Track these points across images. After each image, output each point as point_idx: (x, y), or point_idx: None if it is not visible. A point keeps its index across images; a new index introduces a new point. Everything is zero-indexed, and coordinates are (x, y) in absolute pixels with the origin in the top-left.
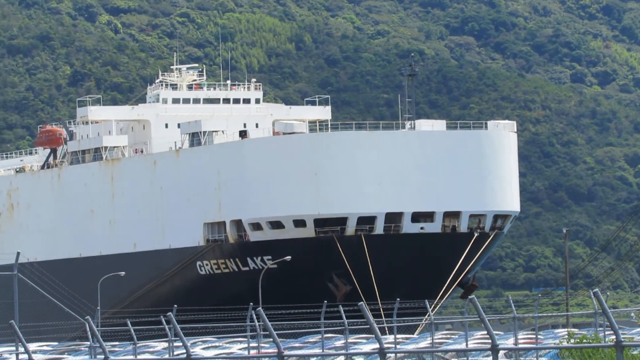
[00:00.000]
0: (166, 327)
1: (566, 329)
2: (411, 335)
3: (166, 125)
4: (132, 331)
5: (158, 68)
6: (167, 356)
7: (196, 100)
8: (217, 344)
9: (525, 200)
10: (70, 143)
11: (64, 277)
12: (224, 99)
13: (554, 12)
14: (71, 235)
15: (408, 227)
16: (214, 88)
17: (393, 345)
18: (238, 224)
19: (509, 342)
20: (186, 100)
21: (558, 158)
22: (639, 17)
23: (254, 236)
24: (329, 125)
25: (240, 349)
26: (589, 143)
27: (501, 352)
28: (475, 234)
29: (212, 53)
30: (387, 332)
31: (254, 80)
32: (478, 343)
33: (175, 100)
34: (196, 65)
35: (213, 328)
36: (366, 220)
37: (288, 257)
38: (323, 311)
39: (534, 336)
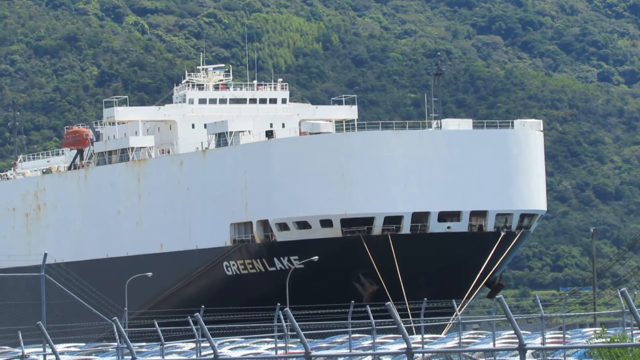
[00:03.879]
0: (193, 327)
1: (594, 329)
2: (438, 335)
3: (193, 126)
4: (160, 332)
5: (185, 68)
6: (194, 357)
7: (223, 101)
8: (244, 345)
9: (552, 200)
10: (97, 144)
11: (91, 278)
12: (250, 99)
13: (581, 11)
14: (98, 236)
15: (435, 226)
16: (241, 88)
17: (420, 345)
18: (265, 224)
19: (537, 342)
20: (213, 101)
21: (585, 157)
22: None
23: (280, 236)
24: (356, 125)
25: (267, 350)
26: (616, 142)
27: (528, 352)
28: (502, 233)
29: (239, 53)
30: (414, 332)
31: (280, 80)
32: (505, 343)
33: (202, 101)
34: (223, 65)
35: (240, 328)
36: (393, 220)
37: (315, 257)
38: (350, 311)
39: (562, 335)
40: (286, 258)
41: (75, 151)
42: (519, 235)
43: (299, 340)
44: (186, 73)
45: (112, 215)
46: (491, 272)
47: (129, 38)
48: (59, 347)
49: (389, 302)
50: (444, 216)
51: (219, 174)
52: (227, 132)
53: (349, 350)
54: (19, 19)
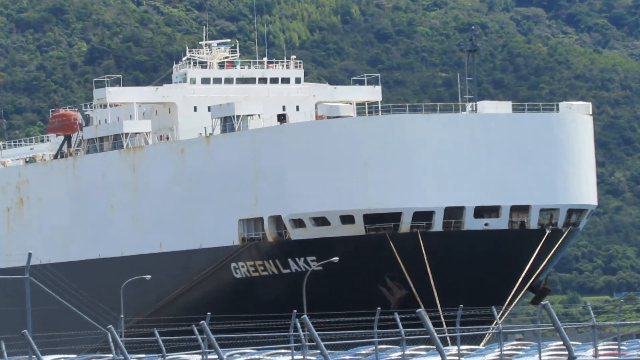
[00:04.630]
0: (199, 337)
1: None
2: (477, 347)
3: (195, 109)
4: (161, 342)
5: (185, 44)
6: None
7: (228, 80)
8: (256, 357)
9: (604, 193)
10: (87, 129)
11: (81, 281)
12: (260, 79)
13: None
14: (89, 234)
15: (470, 223)
16: (249, 66)
17: (456, 358)
18: (277, 220)
19: (588, 354)
20: (217, 80)
21: None
22: None
23: (295, 234)
24: (380, 108)
25: None
26: None
27: None
28: (547, 231)
29: (247, 27)
30: (449, 342)
31: (294, 57)
32: (553, 355)
33: (205, 80)
34: (228, 40)
35: (252, 338)
36: (423, 216)
37: (335, 258)
38: (376, 319)
39: (616, 347)
40: (302, 259)
41: (62, 137)
42: (566, 233)
43: (318, 352)
44: (187, 49)
45: (105, 210)
46: (535, 275)
47: (123, 10)
48: (47, 359)
49: (420, 309)
50: (480, 211)
51: (225, 163)
52: (233, 116)
53: None
54: None
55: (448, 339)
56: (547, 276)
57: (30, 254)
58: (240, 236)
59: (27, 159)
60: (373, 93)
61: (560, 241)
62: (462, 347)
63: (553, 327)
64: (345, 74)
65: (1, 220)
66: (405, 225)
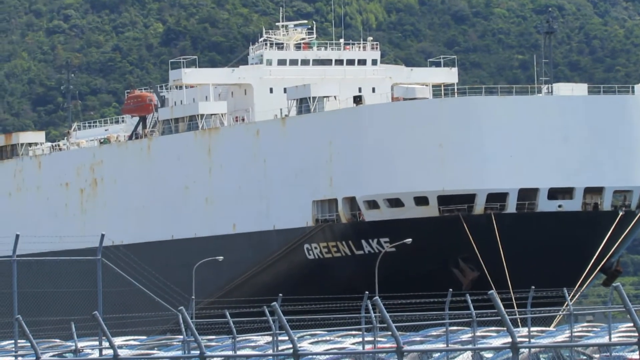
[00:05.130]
0: (270, 318)
1: None
2: (547, 328)
3: (271, 90)
4: (231, 323)
5: (262, 25)
6: (270, 352)
7: (305, 62)
8: (327, 338)
9: None
10: (162, 110)
11: (153, 263)
12: (336, 60)
13: None
14: (162, 215)
15: (544, 205)
16: (325, 48)
17: (527, 339)
18: (352, 201)
19: None
20: (293, 62)
21: None
22: None
23: (369, 215)
24: (456, 90)
25: (353, 344)
26: None
27: None
28: (620, 213)
29: (324, 8)
30: (519, 324)
31: (370, 38)
32: (623, 337)
33: (281, 62)
34: (305, 22)
35: (323, 320)
36: (497, 198)
37: (408, 240)
38: (448, 300)
39: None
40: (375, 240)
41: (137, 118)
42: (639, 215)
43: (389, 333)
44: (264, 30)
45: (179, 191)
46: (607, 256)
47: None
48: (117, 341)
49: (491, 291)
50: (554, 193)
51: (300, 144)
52: (309, 98)
53: (445, 345)
54: None
55: (519, 320)
56: (619, 258)
57: (102, 235)
58: (314, 217)
59: (102, 140)
60: (449, 75)
61: (633, 223)
62: (532, 328)
63: (624, 309)
64: (422, 55)
65: (75, 201)
66: (479, 207)
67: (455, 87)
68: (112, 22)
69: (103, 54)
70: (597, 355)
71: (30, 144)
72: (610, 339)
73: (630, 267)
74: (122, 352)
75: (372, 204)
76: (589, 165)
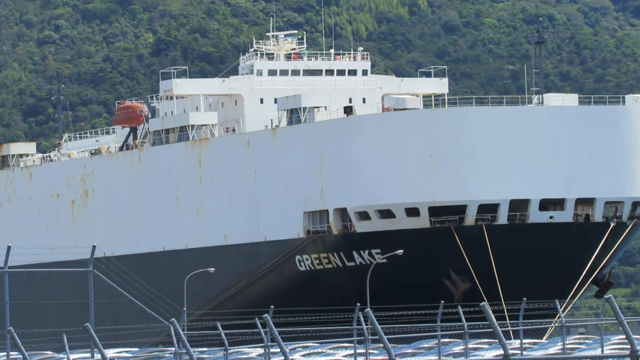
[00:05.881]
0: (262, 330)
1: None
2: (540, 340)
3: (261, 101)
4: (223, 335)
5: (252, 35)
6: None
7: (295, 72)
8: (319, 350)
9: None
10: (152, 121)
11: (145, 274)
12: (326, 71)
13: None
14: (153, 227)
15: (535, 216)
16: (316, 58)
17: (519, 352)
18: (343, 212)
19: None
20: (284, 72)
21: None
22: None
23: (360, 227)
24: (446, 100)
25: (345, 356)
26: None
27: None
28: (612, 224)
29: (314, 18)
30: (512, 336)
31: (360, 49)
32: (615, 349)
33: (272, 72)
34: (295, 32)
35: (315, 332)
36: (488, 209)
37: (400, 251)
38: (439, 312)
39: None
40: (367, 251)
41: (127, 129)
42: (631, 226)
43: (381, 345)
44: (254, 41)
45: (170, 202)
46: (599, 268)
47: (189, 1)
48: (109, 353)
49: (483, 303)
50: (545, 204)
51: (291, 155)
52: (300, 108)
53: (437, 357)
54: None
55: (511, 332)
56: (611, 269)
57: (94, 247)
58: (305, 229)
59: (93, 151)
60: (440, 85)
61: (624, 234)
62: (524, 340)
63: (616, 321)
64: (412, 66)
65: (66, 212)
66: (470, 218)
67: (446, 98)
68: (102, 32)
69: (94, 65)
70: None
71: (21, 155)
72: (602, 351)
73: (622, 278)
74: None
75: (363, 215)
76: (580, 176)
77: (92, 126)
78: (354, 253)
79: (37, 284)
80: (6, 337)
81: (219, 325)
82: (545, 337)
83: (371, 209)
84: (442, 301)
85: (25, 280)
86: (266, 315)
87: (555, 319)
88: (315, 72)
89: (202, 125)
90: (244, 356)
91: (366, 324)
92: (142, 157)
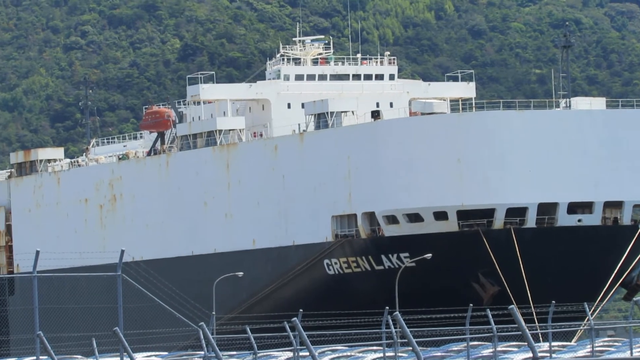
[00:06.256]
0: (290, 334)
1: None
2: (568, 343)
3: (288, 105)
4: (252, 339)
5: (279, 41)
6: None
7: (322, 77)
8: (348, 354)
9: None
10: (180, 126)
11: (173, 278)
12: (353, 75)
13: None
14: (182, 231)
15: (563, 219)
16: (343, 63)
17: (548, 354)
18: (371, 216)
19: None
20: (311, 77)
21: None
22: None
23: (389, 231)
24: (474, 105)
25: (374, 359)
26: None
27: None
28: None
29: (341, 23)
30: (540, 339)
31: (387, 53)
32: None
33: (299, 77)
34: (322, 37)
35: (343, 335)
36: (516, 212)
37: (428, 255)
38: (468, 315)
39: None
40: (395, 255)
41: (155, 134)
42: None
43: (410, 348)
44: (281, 46)
45: (198, 207)
46: (628, 271)
47: (216, 6)
48: (138, 356)
49: (512, 306)
50: (574, 207)
51: (319, 160)
52: (327, 113)
53: None
54: None
55: (540, 335)
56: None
57: (122, 251)
58: (334, 233)
59: (120, 156)
60: (467, 89)
61: None
62: (553, 343)
63: None
64: (439, 70)
65: (94, 217)
66: (498, 222)
67: (473, 102)
68: (129, 38)
69: (120, 70)
70: None
71: (49, 160)
72: (631, 353)
73: None
74: None
75: (392, 219)
76: (608, 180)
77: (120, 131)
78: (383, 257)
79: (66, 289)
80: (35, 341)
81: (248, 329)
82: (574, 340)
83: (399, 213)
84: (471, 304)
85: (54, 284)
86: (295, 319)
87: (584, 322)
88: (343, 77)
89: (230, 130)
90: (273, 359)
91: (395, 328)
92: (170, 162)
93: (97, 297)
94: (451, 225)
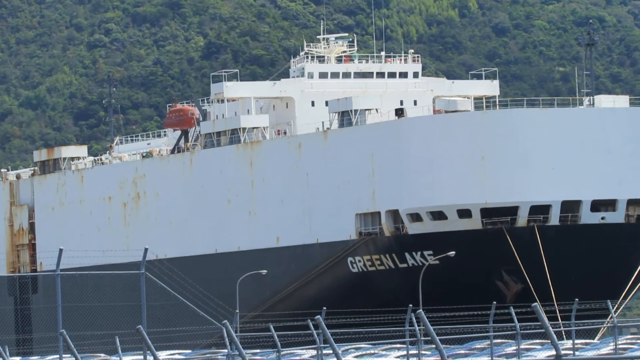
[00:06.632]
0: (314, 332)
1: None
2: (592, 341)
3: (312, 103)
4: (276, 337)
5: (303, 38)
6: None
7: (346, 75)
8: (371, 351)
9: None
10: (204, 124)
11: (197, 276)
12: (377, 73)
13: None
14: (205, 229)
15: (587, 217)
16: (367, 60)
17: (571, 352)
18: (395, 214)
19: None
20: (335, 75)
21: None
22: None
23: (412, 228)
24: (497, 102)
25: (398, 357)
26: None
27: None
28: None
29: (365, 21)
30: (564, 336)
31: (411, 51)
32: None
33: (323, 75)
34: (346, 35)
35: (367, 333)
36: (540, 210)
37: (452, 252)
38: (492, 313)
39: None
40: (419, 253)
41: (179, 132)
42: None
43: (433, 346)
44: (305, 44)
45: (222, 204)
46: None
47: (240, 4)
48: (162, 355)
49: (535, 303)
50: (597, 205)
51: (343, 157)
52: (351, 111)
53: (490, 358)
54: None
55: (563, 332)
56: None
57: (146, 249)
58: (357, 230)
59: (144, 154)
60: (491, 87)
61: None
62: (576, 340)
63: None
64: (463, 68)
65: (118, 215)
66: (522, 219)
67: (497, 100)
68: (152, 35)
69: (144, 68)
70: None
71: (72, 158)
72: None
73: None
74: None
75: (415, 217)
76: (632, 177)
77: (143, 129)
78: (406, 254)
79: (89, 287)
80: (58, 339)
81: (272, 327)
82: (597, 338)
83: (423, 211)
84: (494, 302)
85: (77, 283)
86: (318, 316)
87: (608, 320)
88: (366, 75)
89: (254, 127)
90: (297, 358)
91: (418, 325)
92: (194, 159)
93: (120, 295)
94: (475, 222)
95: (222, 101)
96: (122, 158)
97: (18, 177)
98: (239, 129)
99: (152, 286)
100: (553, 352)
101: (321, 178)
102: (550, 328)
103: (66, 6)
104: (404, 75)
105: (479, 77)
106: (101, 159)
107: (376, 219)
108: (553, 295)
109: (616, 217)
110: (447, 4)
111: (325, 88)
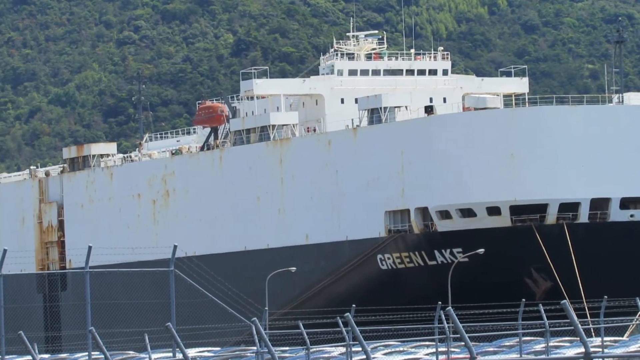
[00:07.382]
0: (343, 329)
1: None
2: (621, 338)
3: (342, 101)
4: (305, 334)
5: (332, 35)
6: None
7: (376, 72)
8: (401, 349)
9: None
10: (233, 121)
11: (226, 274)
12: (407, 70)
13: None
14: (235, 226)
15: (616, 214)
16: (396, 58)
17: (600, 349)
18: (424, 212)
19: None
20: (364, 72)
21: None
22: None
23: (442, 226)
24: (527, 100)
25: (427, 354)
26: None
27: None
28: None
29: (394, 18)
30: (593, 334)
31: (441, 48)
32: None
33: (352, 72)
34: (376, 32)
35: (396, 330)
36: (569, 207)
37: (481, 250)
38: (521, 310)
39: None
40: (448, 250)
41: (208, 129)
42: None
43: (462, 343)
44: (334, 41)
45: (251, 202)
46: None
47: (269, 1)
48: (191, 352)
49: (564, 301)
50: (626, 203)
51: (372, 155)
52: (381, 108)
53: (519, 355)
54: None
55: (592, 330)
56: None
57: (175, 246)
58: (387, 228)
59: (174, 151)
60: (520, 85)
61: None
62: (605, 338)
63: None
64: (492, 65)
65: (147, 212)
66: (551, 217)
67: (526, 97)
68: (182, 32)
69: (174, 65)
70: None
71: (101, 156)
72: None
73: None
74: None
75: (445, 214)
76: None
77: (173, 126)
78: (436, 252)
79: (118, 284)
80: (88, 337)
81: (301, 325)
82: (626, 335)
83: (452, 208)
84: (524, 299)
85: (106, 280)
86: (348, 314)
87: (637, 317)
88: (396, 72)
89: (283, 125)
90: (326, 355)
91: (447, 323)
92: (223, 157)
93: (149, 293)
94: (504, 220)
95: (252, 98)
96: (151, 155)
97: (47, 174)
98: (269, 126)
99: (181, 283)
100: (582, 350)
101: (351, 175)
102: (579, 325)
103: (95, 3)
104: (433, 72)
105: (508, 74)
106: (130, 156)
107: (405, 217)
108: (582, 293)
109: None
110: (476, 1)
111: (355, 85)
